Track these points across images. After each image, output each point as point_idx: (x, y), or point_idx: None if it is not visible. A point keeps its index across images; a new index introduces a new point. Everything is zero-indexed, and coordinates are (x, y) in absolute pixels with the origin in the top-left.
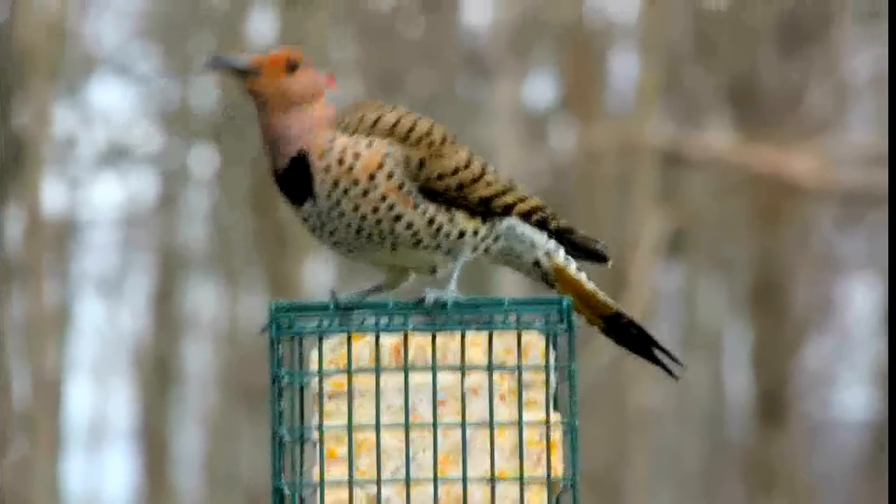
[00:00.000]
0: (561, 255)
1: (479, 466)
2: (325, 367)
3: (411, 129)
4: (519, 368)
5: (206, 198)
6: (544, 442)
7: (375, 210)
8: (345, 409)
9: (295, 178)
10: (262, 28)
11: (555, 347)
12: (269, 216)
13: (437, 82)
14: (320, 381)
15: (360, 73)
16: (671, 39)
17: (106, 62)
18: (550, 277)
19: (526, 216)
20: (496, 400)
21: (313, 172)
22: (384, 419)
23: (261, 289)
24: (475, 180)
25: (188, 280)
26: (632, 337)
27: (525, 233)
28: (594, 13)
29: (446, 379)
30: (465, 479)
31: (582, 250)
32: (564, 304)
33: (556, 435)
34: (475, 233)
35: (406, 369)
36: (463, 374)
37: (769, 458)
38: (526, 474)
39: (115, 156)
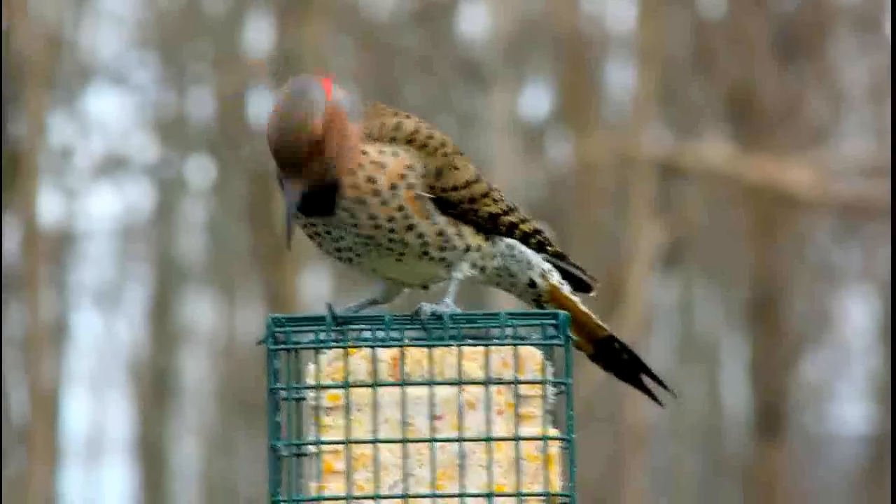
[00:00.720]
0: (556, 276)
1: (476, 481)
2: (321, 380)
3: (430, 137)
4: (516, 382)
5: (203, 209)
6: (542, 456)
7: (391, 219)
8: (342, 422)
9: (322, 197)
10: (258, 38)
11: (551, 361)
12: (266, 228)
13: (434, 92)
14: (317, 395)
15: (356, 83)
16: (668, 50)
17: (102, 72)
18: (543, 298)
19: (525, 238)
20: (494, 414)
21: (342, 191)
22: (381, 433)
23: (257, 301)
24: (484, 195)
25: (185, 292)
26: (621, 363)
27: (523, 252)
28: (591, 24)
29: (443, 393)
30: (462, 495)
31: (569, 277)
32: (561, 317)
33: (554, 449)
34: (478, 248)
35: (403, 383)
36: (460, 388)
37: (767, 472)
38: (523, 489)
39: (112, 166)
